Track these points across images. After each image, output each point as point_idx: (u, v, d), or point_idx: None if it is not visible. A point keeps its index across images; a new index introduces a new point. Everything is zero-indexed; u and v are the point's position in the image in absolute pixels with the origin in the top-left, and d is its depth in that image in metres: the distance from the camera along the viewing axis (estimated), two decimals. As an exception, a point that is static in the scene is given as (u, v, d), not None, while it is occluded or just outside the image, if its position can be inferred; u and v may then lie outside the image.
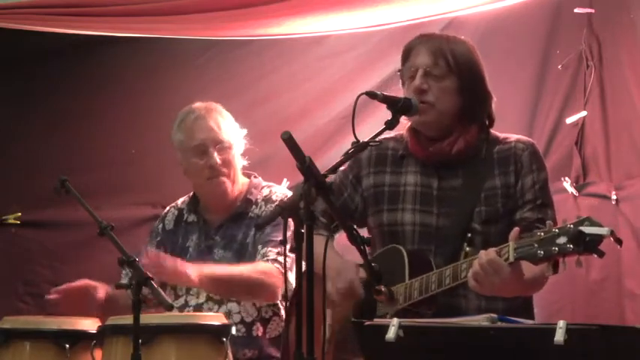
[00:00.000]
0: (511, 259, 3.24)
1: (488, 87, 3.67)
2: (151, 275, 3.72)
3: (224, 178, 4.50)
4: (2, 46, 5.70)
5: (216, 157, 4.46)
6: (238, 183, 4.56)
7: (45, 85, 5.86)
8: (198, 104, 4.59)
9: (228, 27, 5.34)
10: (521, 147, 3.64)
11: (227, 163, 4.49)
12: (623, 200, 4.92)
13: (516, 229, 3.29)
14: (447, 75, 3.60)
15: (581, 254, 3.06)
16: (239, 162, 4.56)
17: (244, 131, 4.58)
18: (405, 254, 3.54)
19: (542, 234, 3.14)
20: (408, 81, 3.63)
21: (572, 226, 3.08)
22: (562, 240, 3.08)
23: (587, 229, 3.03)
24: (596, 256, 3.06)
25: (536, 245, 3.15)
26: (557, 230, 3.10)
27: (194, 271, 4.29)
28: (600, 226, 3.05)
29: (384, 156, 3.74)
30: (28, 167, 5.84)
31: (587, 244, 3.03)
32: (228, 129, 4.52)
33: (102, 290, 4.42)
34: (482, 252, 3.30)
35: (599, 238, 3.04)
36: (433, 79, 3.60)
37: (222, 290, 4.38)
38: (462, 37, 3.74)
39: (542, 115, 5.12)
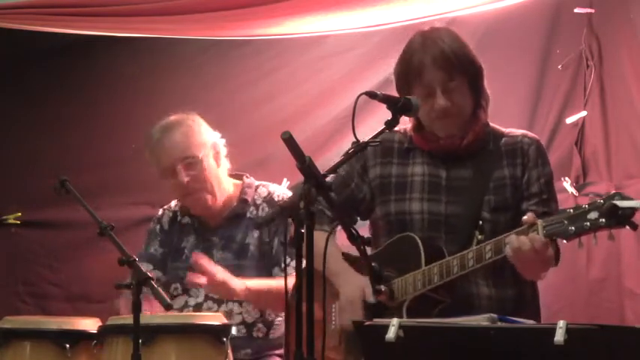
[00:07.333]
0: (540, 237, 3.28)
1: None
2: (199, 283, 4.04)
3: (198, 194, 4.44)
4: (2, 46, 5.70)
5: (184, 176, 4.39)
6: (225, 188, 4.51)
7: (45, 85, 5.85)
8: (166, 119, 4.51)
9: (227, 27, 5.34)
10: (528, 142, 3.72)
11: (199, 178, 4.42)
12: (623, 200, 4.91)
13: (530, 214, 3.34)
14: (460, 80, 3.62)
15: (613, 228, 3.10)
16: (218, 169, 4.48)
17: (216, 135, 4.51)
18: (419, 241, 3.57)
19: (572, 211, 3.18)
20: (423, 98, 3.57)
21: (602, 201, 3.12)
22: (593, 215, 3.12)
23: (621, 203, 3.07)
24: (629, 228, 3.08)
25: (566, 222, 3.19)
26: (586, 206, 3.15)
27: (239, 285, 4.27)
28: (631, 199, 3.08)
29: (390, 148, 3.79)
30: (28, 167, 5.83)
31: (620, 218, 3.07)
32: (197, 141, 4.44)
33: None
34: (512, 236, 3.33)
35: (632, 211, 3.07)
36: (450, 89, 3.62)
37: (263, 303, 4.38)
38: (444, 28, 3.76)
39: (542, 115, 5.13)
